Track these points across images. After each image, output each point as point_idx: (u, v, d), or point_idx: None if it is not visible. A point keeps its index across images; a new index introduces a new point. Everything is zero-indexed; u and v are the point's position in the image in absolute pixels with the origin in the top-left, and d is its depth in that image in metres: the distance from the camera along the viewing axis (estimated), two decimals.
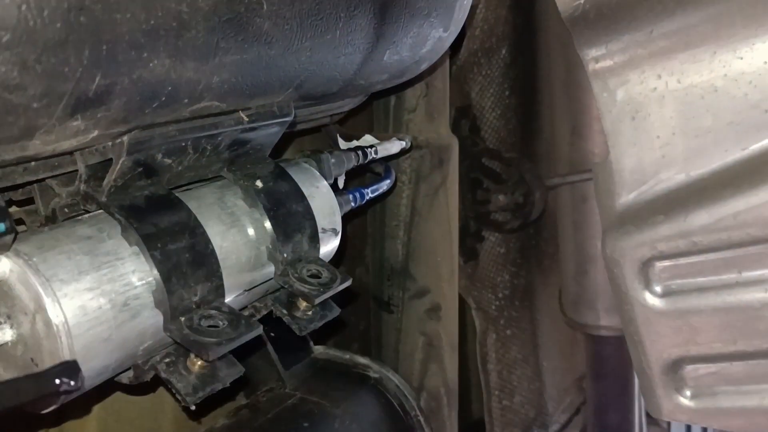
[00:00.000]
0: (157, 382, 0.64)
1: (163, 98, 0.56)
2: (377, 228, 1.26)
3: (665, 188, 1.00)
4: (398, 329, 1.27)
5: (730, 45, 0.93)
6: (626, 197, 1.02)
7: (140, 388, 0.69)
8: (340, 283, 0.69)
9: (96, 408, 0.86)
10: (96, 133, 0.55)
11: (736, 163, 0.95)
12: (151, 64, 0.53)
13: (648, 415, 1.81)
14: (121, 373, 0.62)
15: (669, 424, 2.17)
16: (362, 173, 1.12)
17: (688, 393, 1.06)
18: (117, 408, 0.89)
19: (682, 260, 0.99)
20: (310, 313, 0.72)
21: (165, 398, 0.94)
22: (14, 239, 0.52)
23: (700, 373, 1.04)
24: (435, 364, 1.28)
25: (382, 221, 1.24)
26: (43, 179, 0.62)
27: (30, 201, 0.66)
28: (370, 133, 1.04)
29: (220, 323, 0.58)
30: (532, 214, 1.54)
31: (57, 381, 0.48)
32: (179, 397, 0.61)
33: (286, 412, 0.91)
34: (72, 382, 0.48)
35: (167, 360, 0.62)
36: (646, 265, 1.01)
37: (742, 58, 0.93)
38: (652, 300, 1.02)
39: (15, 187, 0.62)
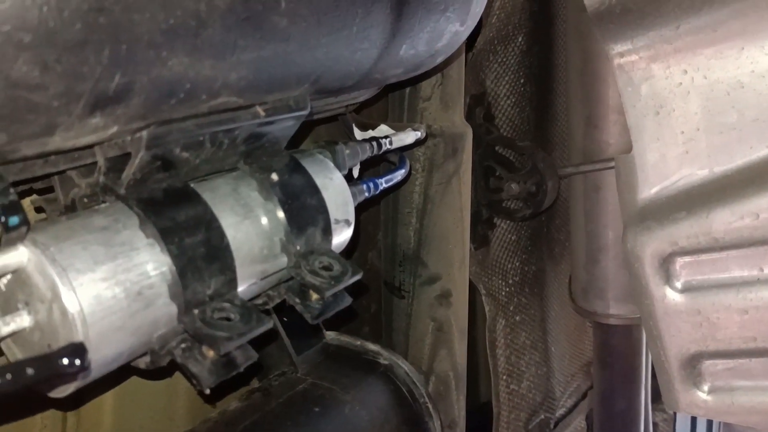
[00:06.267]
0: (172, 368, 0.66)
1: (182, 95, 0.57)
2: (390, 215, 1.26)
3: (688, 184, 0.99)
4: (409, 314, 1.28)
5: (758, 41, 0.91)
6: (648, 192, 1.01)
7: (156, 374, 0.71)
8: (351, 276, 0.70)
9: (111, 390, 0.88)
10: (115, 129, 0.56)
11: (761, 161, 0.94)
12: (169, 63, 0.53)
13: (653, 402, 1.83)
14: (135, 359, 0.63)
15: (675, 412, 2.17)
16: (378, 162, 1.13)
17: (705, 388, 1.05)
18: (132, 389, 0.91)
19: (703, 257, 0.99)
20: (322, 302, 0.73)
21: (179, 380, 0.95)
22: (27, 231, 0.53)
23: (718, 369, 1.04)
24: (444, 349, 1.29)
25: (395, 208, 1.25)
26: (64, 171, 0.63)
27: (50, 189, 0.67)
28: (385, 121, 1.04)
29: (232, 316, 0.60)
30: (544, 204, 1.54)
31: (65, 361, 0.49)
32: (195, 382, 0.62)
33: (297, 396, 0.93)
34: (78, 361, 0.49)
35: (183, 346, 0.63)
36: (666, 260, 1.00)
37: None
38: (672, 295, 1.01)
39: (36, 179, 0.63)
